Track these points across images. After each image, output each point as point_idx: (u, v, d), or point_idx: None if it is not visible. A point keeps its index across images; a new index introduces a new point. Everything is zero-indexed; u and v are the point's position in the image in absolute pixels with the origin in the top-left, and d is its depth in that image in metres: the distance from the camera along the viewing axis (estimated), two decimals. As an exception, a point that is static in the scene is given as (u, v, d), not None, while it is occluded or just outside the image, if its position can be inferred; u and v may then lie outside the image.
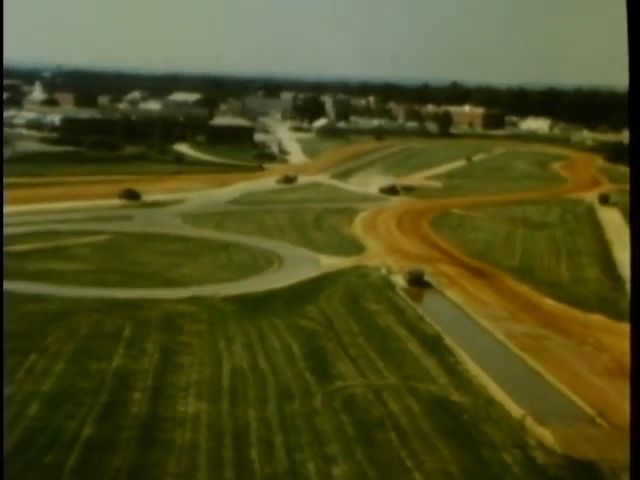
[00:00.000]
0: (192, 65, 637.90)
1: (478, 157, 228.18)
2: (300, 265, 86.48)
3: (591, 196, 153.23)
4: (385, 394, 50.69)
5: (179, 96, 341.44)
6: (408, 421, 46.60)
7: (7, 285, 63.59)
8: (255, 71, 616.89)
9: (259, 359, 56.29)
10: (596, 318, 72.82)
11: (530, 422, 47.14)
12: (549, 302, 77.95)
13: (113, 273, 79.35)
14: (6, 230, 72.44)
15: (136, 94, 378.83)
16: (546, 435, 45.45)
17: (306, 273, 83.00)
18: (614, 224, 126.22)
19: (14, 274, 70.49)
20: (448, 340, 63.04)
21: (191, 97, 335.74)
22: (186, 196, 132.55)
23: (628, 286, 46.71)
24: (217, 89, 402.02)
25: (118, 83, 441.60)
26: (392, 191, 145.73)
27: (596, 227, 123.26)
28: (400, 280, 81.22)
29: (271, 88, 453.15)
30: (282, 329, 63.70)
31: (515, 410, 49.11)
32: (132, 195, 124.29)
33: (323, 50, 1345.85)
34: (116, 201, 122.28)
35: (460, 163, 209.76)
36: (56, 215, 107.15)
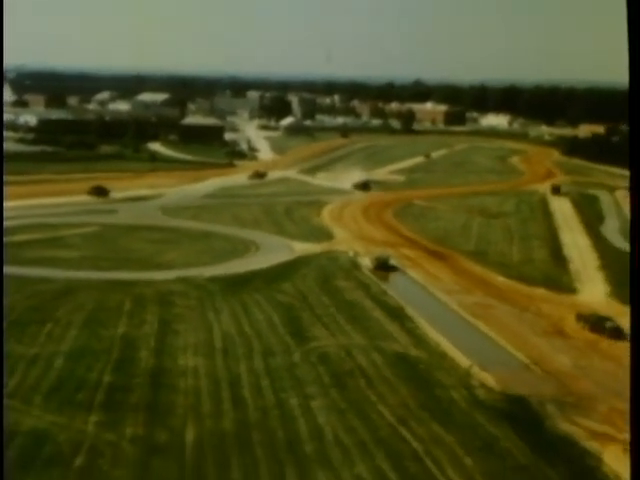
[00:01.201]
0: (157, 65, 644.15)
1: (440, 152, 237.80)
2: (275, 250, 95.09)
3: (545, 187, 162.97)
4: (354, 351, 59.61)
5: (147, 96, 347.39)
6: (374, 371, 55.54)
7: (14, 270, 72.15)
8: (220, 71, 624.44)
9: (244, 326, 64.96)
10: (540, 291, 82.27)
11: (475, 369, 56.28)
12: (499, 279, 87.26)
13: (106, 259, 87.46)
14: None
15: (105, 95, 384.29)
16: (488, 378, 54.63)
17: (281, 257, 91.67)
18: (563, 212, 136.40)
19: (18, 261, 78.75)
20: (409, 310, 72.09)
21: (159, 97, 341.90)
22: (164, 191, 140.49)
23: (571, 265, 59.48)
24: (184, 89, 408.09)
25: (85, 84, 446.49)
26: (364, 187, 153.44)
27: (547, 215, 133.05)
28: (366, 262, 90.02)
29: (238, 88, 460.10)
30: (263, 303, 72.37)
31: (463, 361, 58.27)
32: (101, 192, 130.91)
33: (288, 50, 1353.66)
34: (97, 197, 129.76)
35: (422, 158, 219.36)
36: (45, 210, 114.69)
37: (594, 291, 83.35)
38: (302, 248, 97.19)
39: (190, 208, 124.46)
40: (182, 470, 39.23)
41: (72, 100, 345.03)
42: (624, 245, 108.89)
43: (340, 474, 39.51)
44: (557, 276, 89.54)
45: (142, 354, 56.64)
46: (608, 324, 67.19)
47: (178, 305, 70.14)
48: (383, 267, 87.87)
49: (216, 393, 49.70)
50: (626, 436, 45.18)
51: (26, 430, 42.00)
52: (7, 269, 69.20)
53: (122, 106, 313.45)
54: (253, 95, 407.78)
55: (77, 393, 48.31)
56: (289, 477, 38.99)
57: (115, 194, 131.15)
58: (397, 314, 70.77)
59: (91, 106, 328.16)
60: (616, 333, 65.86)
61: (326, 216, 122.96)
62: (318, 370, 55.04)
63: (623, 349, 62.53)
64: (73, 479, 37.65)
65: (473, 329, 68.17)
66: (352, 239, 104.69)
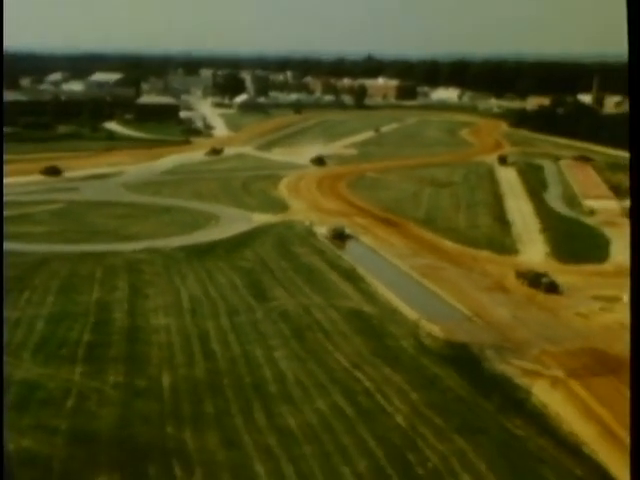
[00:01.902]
0: (108, 45, 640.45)
1: (391, 126, 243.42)
2: (235, 221, 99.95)
3: (492, 158, 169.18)
4: (312, 309, 64.92)
5: (100, 76, 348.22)
6: (330, 325, 60.90)
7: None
8: (172, 49, 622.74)
9: (209, 289, 69.97)
10: (484, 253, 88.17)
11: (423, 322, 61.84)
12: (447, 243, 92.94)
13: (74, 233, 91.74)
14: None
15: (57, 75, 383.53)
16: (434, 329, 60.28)
17: (241, 227, 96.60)
18: (509, 180, 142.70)
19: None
20: (361, 271, 77.47)
21: (112, 77, 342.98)
22: (124, 169, 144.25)
23: (514, 228, 66.69)
24: (136, 68, 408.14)
25: (35, 64, 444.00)
26: (320, 161, 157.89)
27: (493, 183, 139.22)
28: (322, 230, 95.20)
29: (190, 66, 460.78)
30: (225, 268, 77.38)
31: (412, 315, 63.85)
32: (54, 171, 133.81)
33: (240, 27, 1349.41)
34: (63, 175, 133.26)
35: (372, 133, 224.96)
36: (10, 189, 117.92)
37: (534, 252, 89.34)
38: (260, 219, 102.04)
39: (151, 184, 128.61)
40: (162, 409, 44.28)
41: (24, 81, 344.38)
42: (564, 210, 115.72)
43: (302, 408, 44.86)
44: (500, 239, 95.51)
45: (116, 315, 61.45)
46: (544, 280, 73.20)
47: (146, 272, 74.87)
48: (339, 237, 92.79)
49: (187, 347, 54.77)
50: (554, 372, 51.34)
51: (19, 380, 46.80)
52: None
53: (76, 86, 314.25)
54: (206, 73, 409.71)
55: (60, 349, 53.12)
56: (256, 412, 44.22)
57: (70, 173, 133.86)
58: (351, 276, 76.13)
59: (44, 87, 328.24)
60: (551, 287, 71.98)
61: (282, 189, 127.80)
62: (279, 326, 60.26)
63: (557, 301, 68.92)
64: (66, 417, 42.46)
65: (422, 287, 73.74)
66: (308, 210, 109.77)
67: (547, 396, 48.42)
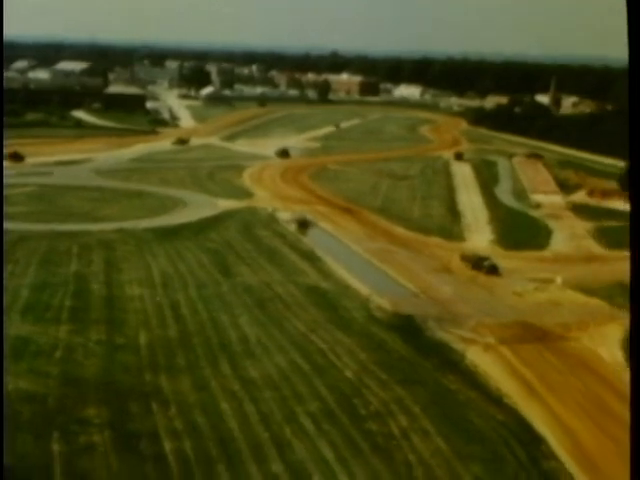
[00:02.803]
0: (72, 33, 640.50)
1: (354, 122, 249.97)
2: (201, 206, 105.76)
3: (449, 154, 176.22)
4: (273, 284, 71.12)
5: (66, 65, 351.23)
6: (290, 298, 67.16)
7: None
8: (137, 40, 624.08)
9: (179, 265, 75.91)
10: (434, 240, 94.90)
11: (374, 297, 68.28)
12: (400, 230, 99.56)
13: (49, 214, 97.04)
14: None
15: (23, 63, 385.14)
16: (383, 303, 66.76)
17: (207, 212, 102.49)
18: (463, 175, 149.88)
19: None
20: (319, 253, 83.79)
21: (78, 66, 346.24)
22: (93, 156, 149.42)
23: (463, 219, 75.15)
24: (102, 58, 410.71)
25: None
26: (284, 154, 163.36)
27: (448, 177, 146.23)
28: (284, 216, 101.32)
29: (156, 57, 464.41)
30: (193, 248, 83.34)
31: (364, 291, 70.28)
32: (16, 157, 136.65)
33: (207, 19, 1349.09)
34: (30, 160, 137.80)
35: (340, 125, 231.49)
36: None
37: (480, 239, 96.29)
38: (225, 205, 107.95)
39: (120, 171, 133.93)
40: (139, 361, 50.30)
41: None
42: (513, 203, 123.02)
43: (263, 363, 51.11)
44: (450, 228, 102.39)
45: (94, 286, 67.23)
46: (486, 263, 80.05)
47: (119, 250, 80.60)
48: (301, 224, 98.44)
49: (160, 313, 60.79)
50: (487, 340, 58.07)
51: (12, 335, 52.49)
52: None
53: (42, 75, 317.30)
54: (172, 65, 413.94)
55: (46, 312, 58.90)
56: (222, 365, 50.40)
57: (36, 159, 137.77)
58: (310, 257, 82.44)
59: (10, 74, 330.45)
60: (492, 269, 78.82)
61: (246, 178, 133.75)
62: (243, 297, 66.40)
63: (496, 282, 75.76)
64: (55, 365, 48.36)
65: (374, 268, 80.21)
66: (271, 198, 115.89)
67: (479, 359, 55.06)
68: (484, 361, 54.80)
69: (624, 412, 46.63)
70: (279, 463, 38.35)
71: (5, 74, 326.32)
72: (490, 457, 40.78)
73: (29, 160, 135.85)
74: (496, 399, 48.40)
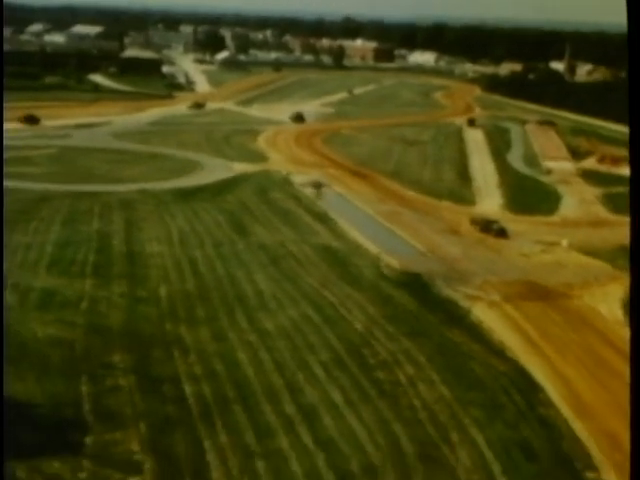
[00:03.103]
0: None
1: (368, 88, 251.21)
2: (217, 169, 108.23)
3: (462, 120, 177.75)
4: (287, 243, 73.68)
5: (81, 29, 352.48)
6: (303, 256, 69.76)
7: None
8: (150, 3, 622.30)
9: (196, 225, 78.59)
10: (445, 203, 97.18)
11: (383, 256, 70.77)
12: (411, 193, 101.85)
13: (71, 174, 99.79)
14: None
15: (39, 27, 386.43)
16: (392, 261, 69.27)
17: (223, 174, 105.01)
18: (475, 141, 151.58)
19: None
20: (332, 214, 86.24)
21: (93, 30, 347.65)
22: (111, 119, 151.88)
23: (474, 183, 78.23)
24: (116, 22, 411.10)
25: (14, 14, 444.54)
26: (299, 118, 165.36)
27: (460, 143, 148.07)
28: (298, 179, 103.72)
29: (170, 21, 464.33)
30: (210, 209, 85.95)
31: (374, 250, 72.76)
32: (32, 119, 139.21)
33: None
34: (50, 122, 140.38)
35: (355, 91, 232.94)
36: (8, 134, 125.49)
37: (490, 203, 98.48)
38: (241, 168, 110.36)
39: (138, 134, 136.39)
40: (160, 312, 53.12)
41: (5, 31, 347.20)
42: (523, 169, 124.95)
43: (276, 315, 53.82)
44: (460, 192, 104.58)
45: (115, 242, 70.07)
46: (495, 226, 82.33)
47: (139, 210, 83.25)
48: (316, 187, 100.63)
49: (179, 268, 63.51)
50: (492, 297, 60.54)
51: (39, 287, 55.43)
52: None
53: (57, 38, 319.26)
54: (186, 29, 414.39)
55: (71, 267, 61.75)
56: (239, 316, 53.14)
57: (56, 121, 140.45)
58: (322, 218, 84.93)
59: (25, 37, 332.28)
60: (500, 232, 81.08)
61: (261, 142, 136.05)
62: (258, 255, 69.05)
63: (504, 244, 78.10)
64: (81, 315, 51.21)
65: (384, 228, 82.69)
66: (285, 161, 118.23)
67: (483, 314, 57.58)
68: (488, 317, 57.30)
69: (619, 364, 49.52)
70: (292, 405, 41.10)
71: (21, 37, 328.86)
72: (490, 403, 43.40)
73: (46, 122, 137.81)
74: (498, 351, 50.96)
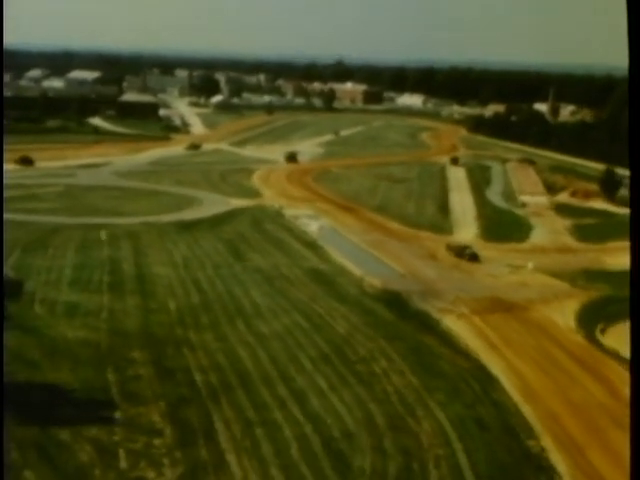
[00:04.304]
0: (81, 42, 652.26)
1: (357, 129, 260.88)
2: (215, 204, 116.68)
3: (446, 159, 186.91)
4: (280, 266, 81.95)
5: (79, 74, 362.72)
6: (294, 277, 78.07)
7: (9, 216, 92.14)
8: (145, 48, 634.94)
9: (197, 251, 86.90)
10: (425, 233, 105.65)
11: (366, 277, 79.09)
12: (395, 225, 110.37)
13: (78, 209, 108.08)
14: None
15: (37, 72, 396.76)
16: (374, 281, 77.57)
17: (220, 208, 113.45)
18: (457, 178, 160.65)
19: (9, 210, 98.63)
20: (321, 243, 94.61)
21: (90, 75, 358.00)
22: (112, 160, 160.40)
23: (453, 216, 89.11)
24: (113, 67, 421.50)
25: (12, 60, 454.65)
26: (292, 158, 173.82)
27: (443, 180, 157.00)
28: (289, 212, 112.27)
29: (165, 66, 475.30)
30: (209, 237, 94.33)
31: (358, 272, 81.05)
32: (26, 161, 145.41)
33: (213, 28, 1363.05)
34: (54, 163, 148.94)
35: (344, 132, 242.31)
36: (13, 173, 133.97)
37: (466, 233, 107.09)
38: (236, 203, 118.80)
39: (138, 173, 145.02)
40: (170, 320, 61.32)
41: (5, 77, 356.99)
42: (500, 203, 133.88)
43: (271, 323, 62.04)
44: (440, 223, 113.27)
45: (125, 266, 78.28)
46: (467, 251, 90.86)
47: (144, 239, 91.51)
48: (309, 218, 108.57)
49: (184, 286, 71.80)
50: (461, 310, 68.77)
51: (63, 301, 63.56)
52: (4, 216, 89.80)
53: (56, 83, 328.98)
54: (181, 74, 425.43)
55: (88, 285, 70.00)
56: (238, 323, 61.36)
57: (49, 163, 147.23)
58: (312, 246, 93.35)
59: (24, 83, 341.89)
60: (473, 257, 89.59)
61: (255, 180, 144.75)
62: (254, 276, 77.32)
63: (475, 267, 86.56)
64: (103, 322, 59.35)
65: (368, 255, 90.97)
66: (278, 197, 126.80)
67: (453, 324, 65.81)
68: (457, 326, 65.54)
69: (568, 362, 57.92)
70: (285, 389, 49.25)
71: (20, 83, 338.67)
72: (452, 389, 51.53)
73: (45, 164, 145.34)
74: (463, 352, 59.16)
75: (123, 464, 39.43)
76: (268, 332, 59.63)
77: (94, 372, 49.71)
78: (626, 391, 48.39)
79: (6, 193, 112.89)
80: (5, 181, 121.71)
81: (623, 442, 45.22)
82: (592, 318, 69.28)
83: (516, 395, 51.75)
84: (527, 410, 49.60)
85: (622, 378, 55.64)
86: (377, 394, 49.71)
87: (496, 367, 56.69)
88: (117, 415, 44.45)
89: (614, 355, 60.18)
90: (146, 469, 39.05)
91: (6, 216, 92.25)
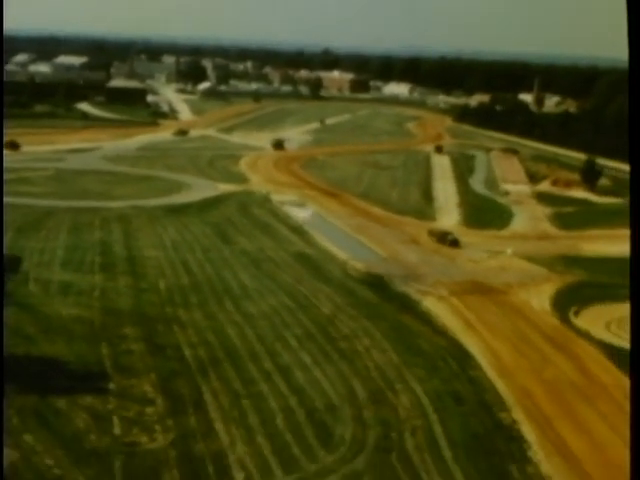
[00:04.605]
0: (68, 26, 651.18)
1: (343, 117, 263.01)
2: (203, 189, 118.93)
3: (431, 147, 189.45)
4: (266, 250, 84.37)
5: (66, 59, 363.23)
6: (280, 260, 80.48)
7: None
8: (132, 34, 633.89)
9: (186, 235, 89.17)
10: (407, 219, 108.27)
11: (350, 260, 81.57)
12: (378, 210, 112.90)
13: (69, 193, 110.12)
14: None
15: (24, 57, 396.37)
16: (358, 265, 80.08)
17: (208, 193, 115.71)
18: (441, 166, 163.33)
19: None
20: (306, 228, 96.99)
21: (77, 60, 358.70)
22: (101, 145, 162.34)
23: (436, 203, 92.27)
24: (99, 52, 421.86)
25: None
26: (279, 145, 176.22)
27: (427, 168, 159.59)
28: (275, 197, 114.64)
29: (152, 52, 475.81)
30: (197, 222, 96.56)
31: (342, 256, 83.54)
32: (13, 145, 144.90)
33: (200, 14, 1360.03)
34: (43, 147, 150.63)
35: (331, 120, 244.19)
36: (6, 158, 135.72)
37: (449, 219, 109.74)
38: (224, 188, 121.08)
39: (127, 158, 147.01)
40: (161, 299, 63.69)
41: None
42: (483, 191, 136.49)
43: (258, 303, 64.47)
44: (423, 209, 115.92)
45: (116, 248, 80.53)
46: (449, 237, 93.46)
47: (134, 222, 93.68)
48: (295, 205, 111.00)
49: (173, 267, 74.12)
50: (441, 292, 71.31)
51: (57, 280, 65.83)
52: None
53: (42, 68, 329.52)
54: (168, 60, 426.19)
55: (81, 266, 72.27)
56: (226, 303, 63.77)
57: (29, 148, 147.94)
58: (298, 230, 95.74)
59: (11, 67, 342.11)
60: (454, 242, 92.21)
61: (243, 166, 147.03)
62: (241, 259, 79.72)
63: (456, 252, 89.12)
64: (96, 300, 61.69)
65: (352, 239, 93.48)
66: (265, 182, 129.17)
67: (432, 305, 68.42)
68: (436, 307, 68.14)
69: (541, 342, 60.53)
70: (270, 364, 51.75)
71: (7, 67, 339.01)
72: (430, 366, 54.14)
73: (32, 148, 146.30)
74: (441, 332, 61.77)
75: (117, 430, 41.83)
76: (255, 312, 62.09)
77: (88, 347, 52.05)
78: (595, 368, 51.01)
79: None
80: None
81: (589, 415, 48.17)
82: (567, 301, 71.98)
83: (491, 372, 54.35)
84: (501, 386, 52.20)
85: (592, 357, 58.60)
86: (359, 370, 52.23)
87: (473, 346, 59.28)
88: (111, 386, 46.81)
89: (586, 335, 62.94)
90: (139, 435, 41.47)
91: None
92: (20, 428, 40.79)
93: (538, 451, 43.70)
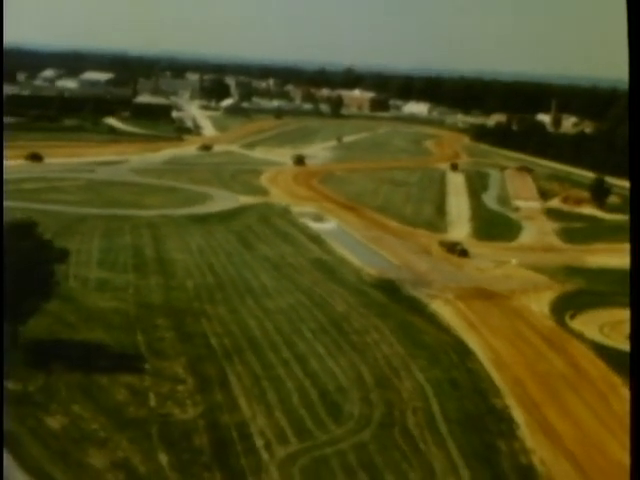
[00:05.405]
0: (93, 43, 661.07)
1: (362, 135, 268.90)
2: (226, 200, 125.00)
3: (447, 165, 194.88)
4: (286, 256, 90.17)
5: (92, 75, 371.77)
6: (299, 265, 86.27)
7: (37, 206, 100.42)
8: (156, 51, 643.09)
9: (210, 241, 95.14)
10: (421, 231, 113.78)
11: (365, 268, 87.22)
12: (393, 224, 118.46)
13: (99, 201, 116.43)
14: (8, 176, 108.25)
15: (51, 72, 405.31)
16: (372, 271, 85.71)
17: (230, 204, 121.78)
18: (456, 183, 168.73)
19: (36, 200, 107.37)
20: (324, 237, 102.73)
21: (103, 76, 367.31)
22: (128, 158, 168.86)
23: (448, 217, 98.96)
24: (124, 69, 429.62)
25: (25, 60, 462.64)
26: (300, 161, 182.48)
27: (442, 185, 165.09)
28: (295, 209, 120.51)
29: (176, 69, 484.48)
30: (221, 230, 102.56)
31: (358, 263, 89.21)
32: (36, 157, 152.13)
33: (225, 32, 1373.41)
34: (73, 160, 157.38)
35: (350, 138, 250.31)
36: (37, 168, 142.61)
37: (460, 232, 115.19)
38: (246, 200, 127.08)
39: (154, 171, 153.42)
40: (189, 296, 69.64)
41: (19, 76, 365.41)
42: (495, 206, 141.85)
43: (277, 300, 70.36)
44: (436, 223, 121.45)
45: (147, 251, 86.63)
46: (458, 247, 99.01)
47: (163, 229, 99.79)
48: (315, 219, 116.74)
49: (199, 269, 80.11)
50: (448, 296, 76.85)
51: (94, 278, 71.91)
52: (31, 205, 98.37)
53: (69, 84, 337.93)
54: (192, 77, 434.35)
55: (115, 266, 78.37)
56: (248, 300, 69.63)
57: (58, 159, 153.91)
58: (316, 239, 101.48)
59: (38, 83, 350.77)
60: (463, 252, 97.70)
61: (264, 180, 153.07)
62: (262, 263, 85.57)
63: (465, 262, 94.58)
64: (131, 295, 67.67)
65: (367, 249, 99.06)
66: (285, 195, 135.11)
67: (439, 307, 73.94)
68: (443, 309, 73.66)
69: (537, 340, 65.90)
70: (288, 352, 57.51)
71: (34, 82, 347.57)
72: (432, 358, 59.72)
73: (61, 160, 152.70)
74: (445, 330, 67.31)
75: (153, 403, 47.65)
76: (274, 308, 67.93)
77: (125, 334, 58.05)
78: (585, 364, 56.93)
79: (31, 185, 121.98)
80: (26, 175, 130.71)
81: (575, 402, 53.58)
82: (564, 306, 77.30)
83: (488, 365, 59.82)
84: (496, 377, 57.67)
85: (584, 354, 63.94)
86: (368, 359, 57.89)
87: (473, 342, 64.77)
88: (146, 366, 52.69)
89: (579, 336, 68.26)
90: (172, 407, 47.29)
91: (34, 206, 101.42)
92: (68, 399, 46.66)
93: (525, 430, 49.11)
